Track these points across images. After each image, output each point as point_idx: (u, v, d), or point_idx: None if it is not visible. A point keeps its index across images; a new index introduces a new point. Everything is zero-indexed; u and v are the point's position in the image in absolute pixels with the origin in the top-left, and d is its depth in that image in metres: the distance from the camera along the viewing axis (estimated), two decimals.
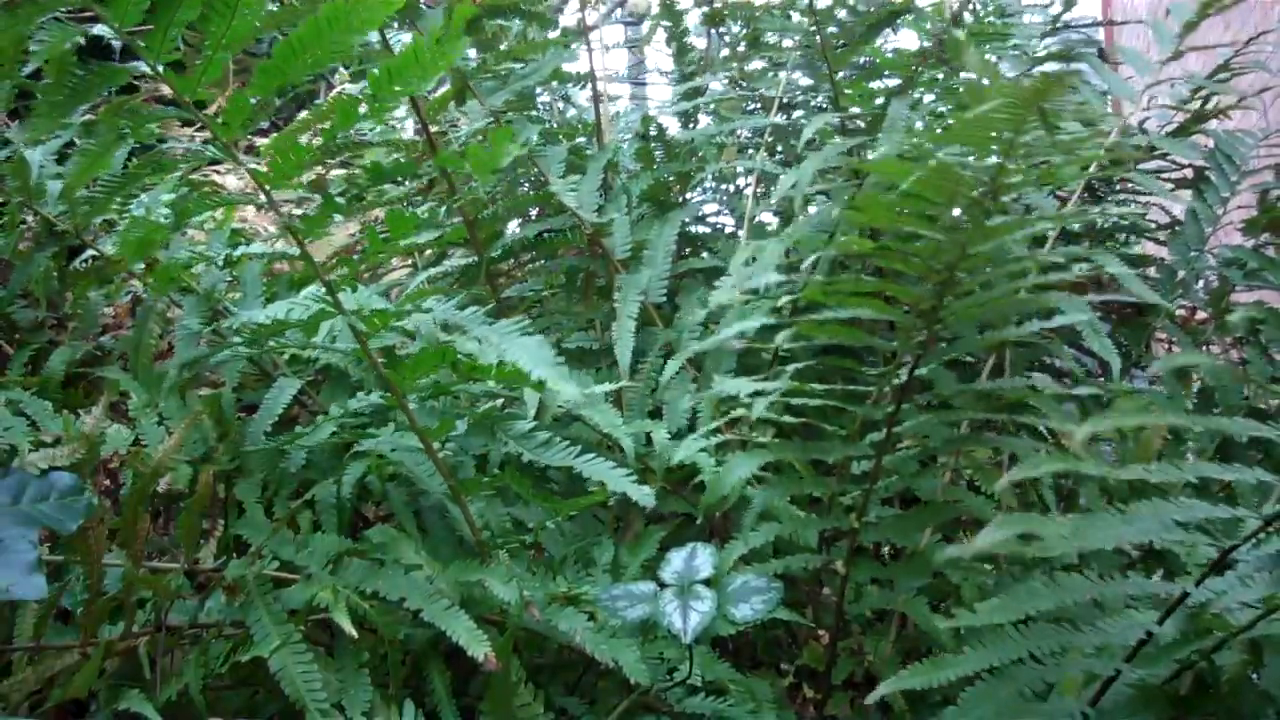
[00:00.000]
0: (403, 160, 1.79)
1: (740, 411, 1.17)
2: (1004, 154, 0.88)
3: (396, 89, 1.03)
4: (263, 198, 1.08)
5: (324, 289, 1.11)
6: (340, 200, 1.50)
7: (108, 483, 1.43)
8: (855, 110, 1.64)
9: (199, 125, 2.34)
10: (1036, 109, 0.83)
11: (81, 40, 1.04)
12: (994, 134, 0.86)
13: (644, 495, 1.17)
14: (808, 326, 1.15)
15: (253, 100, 1.00)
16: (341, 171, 2.14)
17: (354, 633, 1.07)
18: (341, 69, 2.33)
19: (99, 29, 0.98)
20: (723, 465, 1.24)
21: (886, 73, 1.66)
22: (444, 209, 1.65)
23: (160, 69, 0.97)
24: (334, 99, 1.10)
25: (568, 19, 1.80)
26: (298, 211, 1.98)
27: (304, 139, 1.05)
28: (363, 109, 1.04)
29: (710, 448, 1.30)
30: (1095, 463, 0.76)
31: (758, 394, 1.15)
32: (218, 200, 1.35)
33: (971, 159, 0.90)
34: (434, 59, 1.01)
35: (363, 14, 0.96)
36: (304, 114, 1.24)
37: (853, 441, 1.20)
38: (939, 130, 1.12)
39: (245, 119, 1.02)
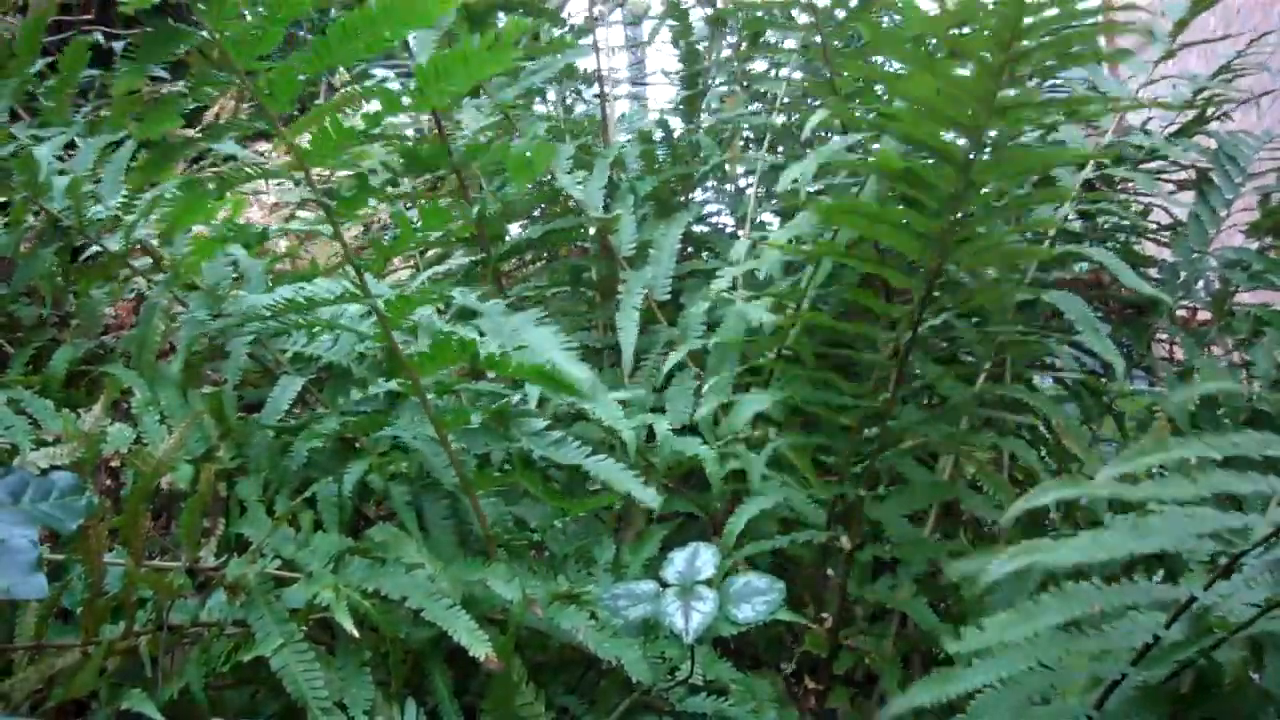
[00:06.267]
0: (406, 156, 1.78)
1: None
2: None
3: (443, 86, 1.04)
4: (298, 178, 1.09)
5: (351, 271, 1.12)
6: (374, 185, 1.50)
7: (109, 481, 1.43)
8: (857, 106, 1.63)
9: (202, 128, 2.34)
10: None
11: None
12: None
13: (651, 497, 1.18)
14: (823, 245, 1.16)
15: (300, 77, 1.01)
16: (346, 174, 2.13)
17: (355, 632, 1.07)
18: (341, 69, 2.33)
19: None
20: (735, 404, 1.30)
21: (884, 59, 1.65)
22: (458, 210, 1.65)
23: (216, 36, 0.98)
24: (364, 89, 1.11)
25: (574, 18, 1.81)
26: (305, 214, 1.98)
27: (342, 123, 1.05)
28: (407, 100, 1.05)
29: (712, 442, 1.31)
30: (1104, 485, 0.76)
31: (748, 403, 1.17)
32: (261, 173, 1.35)
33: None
34: (483, 63, 1.02)
35: (419, 6, 0.96)
36: (319, 104, 1.24)
37: (865, 398, 1.22)
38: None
39: (293, 92, 1.03)
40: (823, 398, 1.27)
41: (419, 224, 1.16)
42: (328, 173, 2.07)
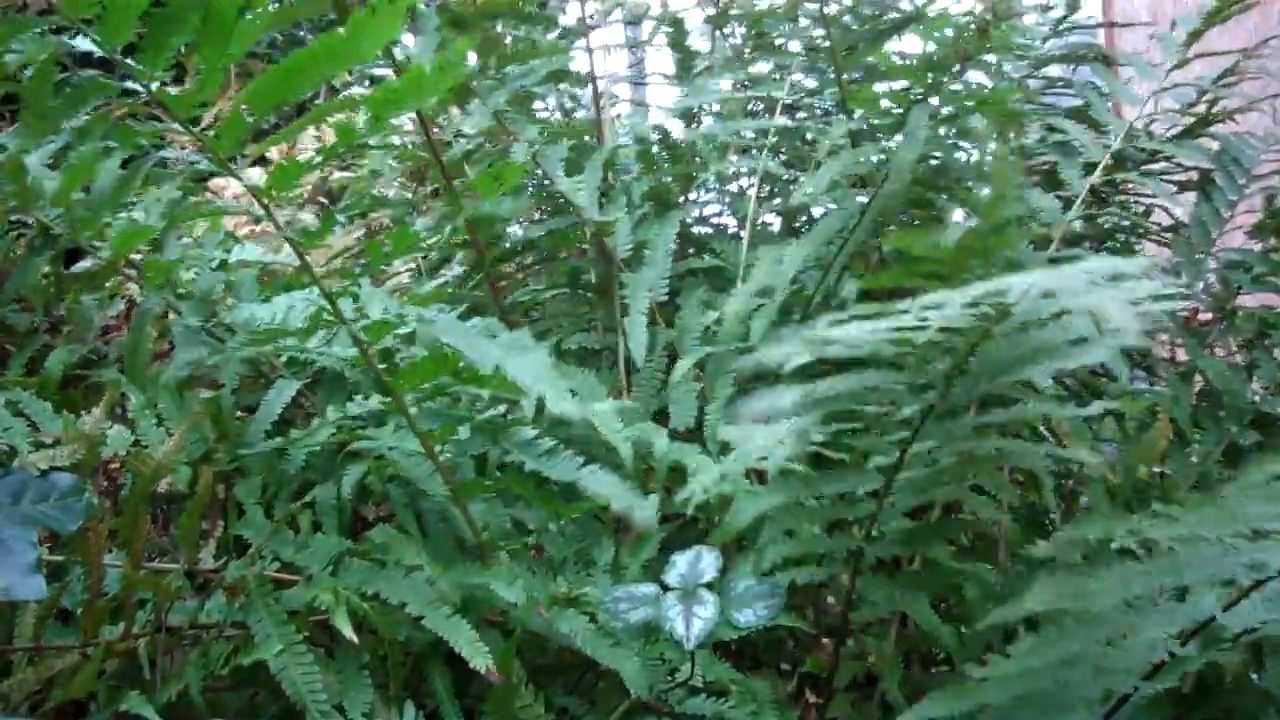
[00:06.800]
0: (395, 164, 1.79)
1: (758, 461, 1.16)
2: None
3: (394, 110, 1.04)
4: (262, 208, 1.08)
5: (324, 298, 1.11)
6: (340, 217, 1.50)
7: (107, 484, 1.42)
8: (861, 115, 1.63)
9: (201, 128, 2.34)
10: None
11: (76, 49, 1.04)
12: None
13: (648, 517, 1.16)
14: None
15: (248, 119, 1.01)
16: (344, 174, 2.13)
17: (354, 637, 1.07)
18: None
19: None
20: (735, 500, 1.24)
21: (897, 81, 1.66)
22: (453, 216, 1.65)
23: (154, 88, 0.97)
24: (334, 103, 1.11)
25: (568, 20, 1.80)
26: (304, 215, 1.98)
27: (307, 134, 1.05)
28: (359, 128, 1.04)
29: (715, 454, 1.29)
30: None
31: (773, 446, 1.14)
32: (213, 210, 1.35)
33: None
34: (433, 84, 1.02)
35: (356, 45, 0.96)
36: (319, 103, 1.24)
37: (860, 470, 1.19)
38: None
39: (240, 135, 1.03)
40: (830, 482, 1.24)
41: (390, 248, 1.16)
42: (326, 173, 2.07)
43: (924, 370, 0.95)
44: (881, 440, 1.11)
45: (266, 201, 1.07)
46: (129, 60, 0.95)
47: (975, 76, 1.59)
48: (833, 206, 1.54)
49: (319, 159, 1.05)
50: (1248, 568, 0.79)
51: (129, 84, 0.99)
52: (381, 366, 1.16)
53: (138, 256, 1.55)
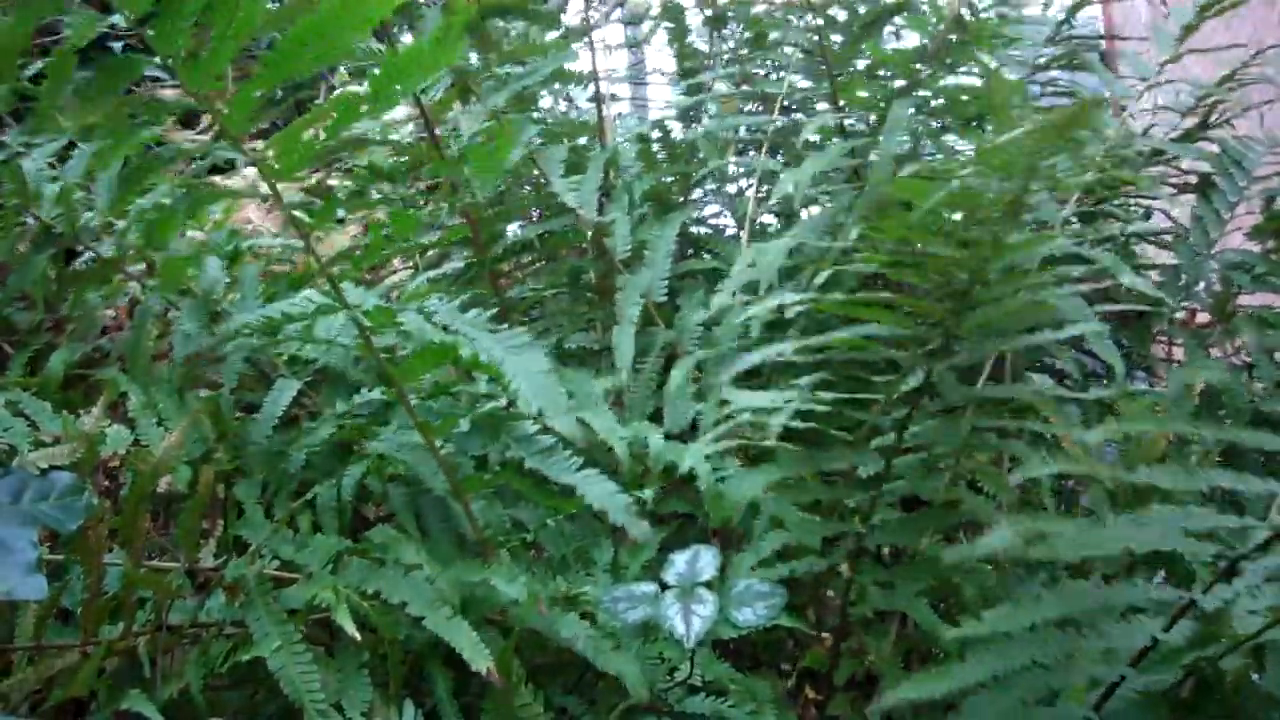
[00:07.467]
0: (402, 162, 1.79)
1: (749, 419, 1.16)
2: (1026, 178, 0.89)
3: (397, 88, 1.04)
4: (267, 192, 1.08)
5: (328, 283, 1.11)
6: (342, 198, 1.50)
7: (107, 483, 1.42)
8: (856, 112, 1.64)
9: (199, 129, 2.34)
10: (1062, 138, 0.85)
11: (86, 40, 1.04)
12: (1019, 160, 0.88)
13: (643, 531, 1.15)
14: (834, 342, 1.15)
15: (257, 94, 1.01)
16: (339, 181, 2.13)
17: (357, 635, 1.07)
18: (341, 69, 2.33)
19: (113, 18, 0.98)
20: (728, 478, 1.24)
21: (887, 72, 1.66)
22: (446, 210, 1.65)
23: (168, 61, 0.97)
24: (336, 97, 1.11)
25: (570, 19, 1.81)
26: (302, 216, 1.98)
27: (307, 134, 1.05)
28: (364, 107, 1.04)
29: (714, 454, 1.29)
30: (1093, 464, 0.76)
31: (773, 410, 1.13)
32: (227, 192, 1.35)
33: (994, 181, 0.91)
34: (434, 58, 1.02)
35: (365, 9, 0.96)
36: (319, 103, 1.24)
37: (859, 448, 1.19)
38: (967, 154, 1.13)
39: (251, 112, 1.03)
40: (822, 460, 1.24)
41: (391, 231, 1.16)
42: (322, 173, 2.07)
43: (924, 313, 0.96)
44: (882, 415, 1.11)
45: (274, 180, 1.07)
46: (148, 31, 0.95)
47: (973, 80, 1.59)
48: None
49: (324, 136, 1.05)
50: (1218, 538, 0.80)
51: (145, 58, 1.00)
52: (384, 357, 1.16)
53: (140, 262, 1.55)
